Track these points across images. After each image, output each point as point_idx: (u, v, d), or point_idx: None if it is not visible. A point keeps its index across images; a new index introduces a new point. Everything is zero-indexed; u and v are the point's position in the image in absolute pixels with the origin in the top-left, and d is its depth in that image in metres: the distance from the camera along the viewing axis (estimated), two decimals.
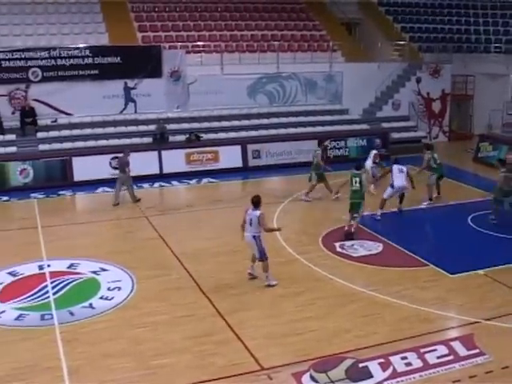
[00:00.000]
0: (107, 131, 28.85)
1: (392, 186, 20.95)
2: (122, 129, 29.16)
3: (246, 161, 28.56)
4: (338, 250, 17.98)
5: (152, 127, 29.05)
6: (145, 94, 29.72)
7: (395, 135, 32.19)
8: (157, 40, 32.37)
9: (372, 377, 11.35)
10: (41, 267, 16.70)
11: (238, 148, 28.57)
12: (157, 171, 26.85)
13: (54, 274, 16.13)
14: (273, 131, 30.77)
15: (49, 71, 28.30)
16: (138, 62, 29.50)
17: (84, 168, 25.79)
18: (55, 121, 28.57)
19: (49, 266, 16.75)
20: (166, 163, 27.13)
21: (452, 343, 12.52)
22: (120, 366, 11.74)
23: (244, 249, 15.93)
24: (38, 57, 28.10)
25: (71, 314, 13.96)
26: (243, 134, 30.21)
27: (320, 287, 15.43)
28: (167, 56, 30.30)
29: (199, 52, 31.89)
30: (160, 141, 28.39)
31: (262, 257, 15.22)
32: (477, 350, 12.19)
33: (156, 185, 25.86)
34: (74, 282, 15.72)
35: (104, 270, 16.49)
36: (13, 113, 28.07)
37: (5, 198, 23.89)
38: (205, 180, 26.55)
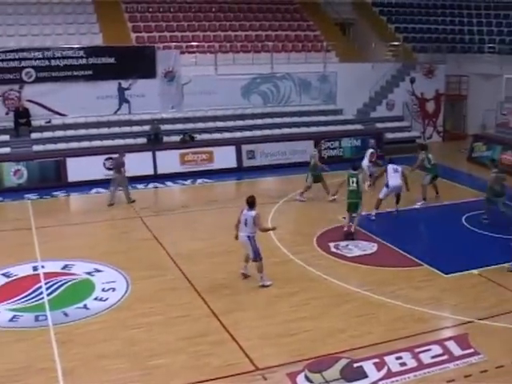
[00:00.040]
0: (101, 132, 28.81)
1: (387, 185, 20.98)
2: (116, 129, 29.11)
3: (241, 161, 28.55)
4: (333, 250, 17.99)
5: (146, 128, 29.01)
6: (139, 95, 29.68)
7: (389, 135, 32.22)
8: (151, 40, 32.35)
9: (367, 377, 11.36)
10: (35, 268, 16.67)
11: (232, 148, 28.57)
12: (151, 172, 26.81)
13: (48, 275, 16.09)
14: (267, 131, 30.76)
15: (43, 72, 28.24)
16: (132, 63, 29.46)
17: (78, 169, 25.73)
18: (49, 121, 28.52)
19: (43, 266, 16.71)
20: (160, 164, 27.10)
21: (446, 343, 12.54)
22: (115, 366, 11.72)
23: (238, 249, 15.92)
24: (32, 57, 28.04)
25: (65, 315, 13.93)
26: (237, 134, 30.22)
27: (314, 287, 15.44)
28: (161, 56, 30.26)
29: (193, 52, 31.86)
30: (154, 141, 28.37)
31: (257, 257, 15.22)
32: (471, 350, 12.21)
33: (150, 185, 25.83)
34: (69, 283, 15.69)
35: (98, 270, 16.47)
36: (6, 113, 28.00)
37: None
38: (199, 180, 26.54)
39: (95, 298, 14.82)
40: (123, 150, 23.91)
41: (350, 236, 18.82)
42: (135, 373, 11.53)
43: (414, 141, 32.88)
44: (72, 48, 28.93)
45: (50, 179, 25.71)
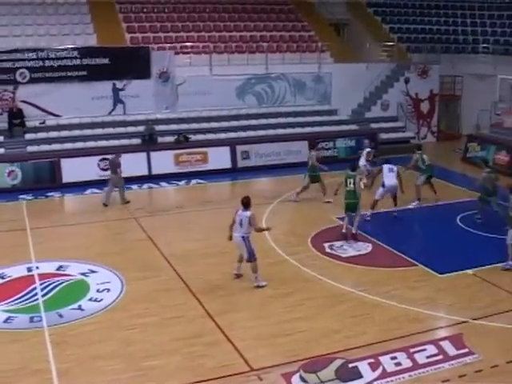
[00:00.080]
0: (96, 132, 28.76)
1: (383, 185, 21.01)
2: (111, 130, 29.08)
3: (235, 162, 28.53)
4: (327, 250, 18.01)
5: (141, 128, 28.99)
6: (133, 95, 29.65)
7: (384, 136, 32.23)
8: (145, 41, 32.31)
9: (362, 377, 11.38)
10: (29, 269, 16.64)
11: (226, 149, 28.54)
12: (145, 172, 26.76)
13: (42, 276, 16.06)
14: (262, 132, 30.74)
15: (37, 72, 28.18)
16: (127, 63, 29.42)
17: (72, 169, 25.66)
18: (43, 122, 28.47)
19: (37, 268, 16.68)
20: (154, 164, 27.07)
21: (441, 343, 12.56)
22: (109, 367, 11.71)
23: (233, 250, 15.91)
24: (26, 58, 27.97)
25: (60, 316, 13.91)
26: (232, 134, 30.20)
27: (309, 288, 15.45)
28: (156, 57, 30.23)
29: (188, 53, 31.83)
30: (149, 142, 28.35)
31: (251, 257, 15.23)
32: (466, 350, 12.24)
33: (145, 186, 25.80)
34: (63, 284, 15.67)
35: (93, 271, 16.45)
36: (0, 114, 27.94)
37: None
38: (194, 181, 26.52)
39: (90, 299, 14.81)
40: (119, 150, 23.87)
41: (354, 236, 18.78)
42: (130, 374, 11.52)
43: (408, 141, 32.96)
44: (66, 49, 28.88)
45: (44, 180, 25.64)
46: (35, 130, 28.22)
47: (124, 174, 23.29)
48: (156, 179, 26.44)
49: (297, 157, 28.66)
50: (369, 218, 20.52)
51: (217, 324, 13.47)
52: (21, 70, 27.96)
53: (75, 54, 28.70)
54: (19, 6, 31.83)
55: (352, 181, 18.82)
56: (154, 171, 26.93)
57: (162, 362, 11.91)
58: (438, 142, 35.72)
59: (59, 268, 16.66)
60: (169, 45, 32.05)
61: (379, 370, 11.55)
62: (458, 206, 22.13)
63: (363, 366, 11.67)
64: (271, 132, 30.90)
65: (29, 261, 17.18)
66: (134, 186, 25.14)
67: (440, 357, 12.03)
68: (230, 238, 15.48)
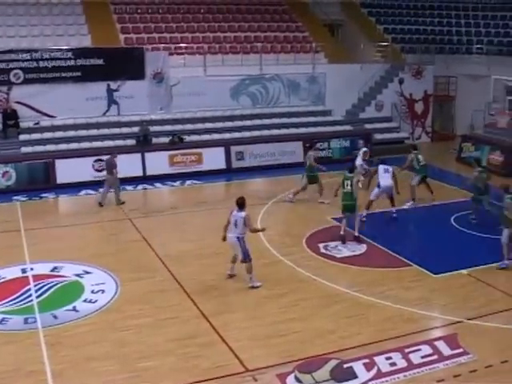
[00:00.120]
0: (90, 133, 28.72)
1: (378, 185, 21.03)
2: (105, 131, 29.05)
3: (230, 162, 28.51)
4: (322, 251, 18.01)
5: (135, 129, 28.98)
6: (128, 96, 29.63)
7: (378, 136, 32.24)
8: (139, 42, 32.28)
9: (357, 377, 11.39)
10: (24, 270, 16.59)
11: (221, 150, 28.53)
12: (140, 173, 26.72)
13: (37, 278, 16.03)
14: (256, 133, 30.72)
15: (31, 73, 28.13)
16: (121, 64, 29.42)
17: (67, 170, 25.62)
18: (38, 123, 28.43)
19: (32, 269, 16.64)
20: (149, 165, 27.03)
21: (436, 343, 12.58)
22: (104, 369, 11.69)
23: (227, 251, 15.89)
24: (20, 59, 27.94)
25: (55, 317, 13.89)
26: (226, 135, 30.22)
27: (304, 288, 15.45)
28: (150, 58, 30.21)
29: (182, 54, 31.81)
30: (143, 143, 28.33)
31: (246, 258, 15.22)
32: (460, 350, 12.26)
33: (139, 187, 25.77)
34: (58, 285, 15.65)
35: (88, 272, 16.43)
36: None
37: None
38: (188, 182, 26.50)
39: (84, 300, 14.79)
40: (115, 151, 23.87)
41: (357, 239, 18.73)
42: (124, 375, 11.50)
43: (402, 141, 33.02)
44: (60, 49, 28.86)
45: (38, 181, 25.57)
46: (29, 130, 28.18)
47: (119, 175, 23.28)
48: (150, 180, 26.40)
49: (291, 157, 28.72)
50: (364, 219, 20.51)
51: (211, 325, 13.46)
52: (15, 71, 27.91)
53: (69, 54, 28.69)
54: (13, 6, 31.75)
55: (349, 182, 18.79)
56: (149, 172, 26.89)
57: (156, 363, 11.89)
58: (433, 142, 35.76)
59: (54, 269, 16.63)
60: (163, 45, 32.04)
61: (374, 371, 11.56)
62: (452, 206, 22.16)
63: (358, 367, 11.68)
64: (265, 133, 30.89)
65: (23, 262, 17.15)
66: (129, 187, 25.09)
67: (435, 357, 12.05)
68: (224, 238, 15.46)
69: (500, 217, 17.10)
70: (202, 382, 11.28)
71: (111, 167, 23.00)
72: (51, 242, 19.20)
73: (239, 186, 25.95)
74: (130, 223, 20.94)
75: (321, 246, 18.35)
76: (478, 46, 36.97)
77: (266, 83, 32.51)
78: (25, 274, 16.35)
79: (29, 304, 14.58)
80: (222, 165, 28.33)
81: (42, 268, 16.69)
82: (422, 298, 14.82)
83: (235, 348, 12.42)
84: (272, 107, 32.70)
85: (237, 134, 30.37)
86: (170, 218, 21.72)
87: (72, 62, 28.70)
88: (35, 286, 15.53)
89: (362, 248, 18.30)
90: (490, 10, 40.08)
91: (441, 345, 12.49)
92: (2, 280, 16.05)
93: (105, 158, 24.34)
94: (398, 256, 17.49)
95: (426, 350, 12.31)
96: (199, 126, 30.67)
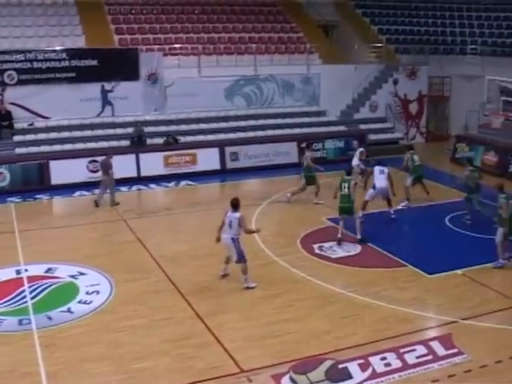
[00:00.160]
0: (84, 134, 28.64)
1: (374, 187, 21.04)
2: (100, 132, 29.00)
3: (224, 163, 28.50)
4: (317, 251, 18.01)
5: (129, 130, 28.92)
6: (122, 97, 29.58)
7: (372, 137, 32.25)
8: (134, 42, 32.25)
9: (352, 377, 11.39)
10: (18, 272, 16.56)
11: (215, 150, 28.52)
12: (134, 174, 26.68)
13: (31, 279, 16.00)
14: (250, 133, 30.71)
15: (25, 74, 28.07)
16: (115, 65, 29.37)
17: (61, 171, 25.56)
18: (32, 124, 28.36)
19: (26, 270, 16.60)
20: (143, 166, 26.99)
21: (431, 343, 12.60)
22: (99, 370, 11.67)
23: (221, 251, 15.87)
24: (14, 59, 27.85)
25: (49, 318, 13.86)
26: (221, 136, 30.19)
27: (298, 289, 15.46)
28: (144, 58, 30.18)
29: (176, 54, 31.78)
30: (138, 144, 28.30)
31: (241, 259, 15.21)
32: (455, 350, 12.28)
33: (134, 188, 25.73)
34: (52, 287, 15.62)
35: (82, 273, 16.40)
36: None
37: None
38: (183, 183, 26.49)
39: (79, 301, 14.76)
40: (110, 151, 23.85)
41: (363, 241, 18.67)
42: (119, 376, 11.49)
43: (397, 142, 33.06)
44: (54, 50, 28.80)
45: (32, 182, 25.52)
46: (23, 131, 28.11)
47: (114, 176, 23.24)
48: (145, 181, 26.37)
49: (285, 158, 28.75)
50: (362, 220, 20.43)
51: (206, 325, 13.45)
52: (9, 72, 27.84)
53: (64, 55, 28.63)
54: (7, 7, 31.65)
55: (347, 185, 18.72)
56: (143, 173, 26.85)
57: (151, 364, 11.88)
58: (427, 142, 35.76)
59: (48, 270, 16.60)
60: (157, 46, 32.02)
61: (369, 371, 11.56)
62: (446, 207, 22.18)
63: (353, 367, 11.68)
64: (260, 133, 30.87)
65: (17, 263, 17.11)
66: (123, 188, 25.04)
67: (429, 357, 12.06)
68: (218, 240, 15.45)
69: (496, 216, 17.05)
70: (196, 382, 11.27)
71: (107, 168, 22.97)
72: (45, 243, 19.17)
73: (234, 187, 25.94)
74: (124, 224, 20.91)
75: (315, 246, 18.35)
76: (472, 46, 37.08)
77: (261, 84, 32.50)
78: (19, 276, 16.31)
79: (23, 305, 14.54)
80: (216, 165, 28.31)
81: (37, 269, 16.64)
82: (417, 299, 14.83)
83: (230, 349, 12.42)
84: (266, 108, 32.70)
85: (231, 135, 30.37)
86: (164, 219, 21.70)
87: (66, 63, 28.64)
88: (29, 287, 15.50)
89: (357, 248, 18.30)
90: (483, 11, 40.21)
91: (435, 345, 12.50)
92: None
93: (100, 159, 24.31)
94: (392, 256, 17.50)
95: (420, 350, 12.32)
96: (193, 126, 30.63)
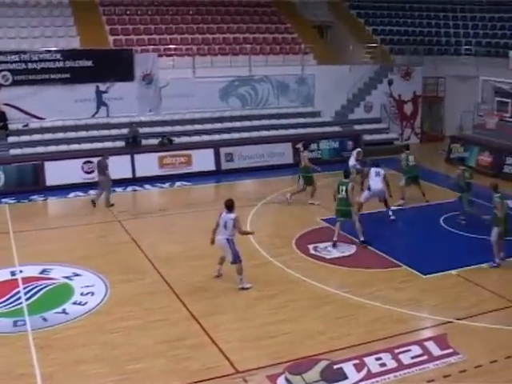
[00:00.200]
0: (79, 135, 28.60)
1: (369, 188, 21.05)
2: (95, 133, 28.95)
3: (219, 164, 28.50)
4: (312, 252, 18.02)
5: (124, 131, 28.89)
6: (117, 98, 29.55)
7: (367, 137, 32.24)
8: (128, 43, 32.23)
9: (347, 378, 11.40)
10: (13, 273, 16.52)
11: (210, 151, 28.52)
12: (129, 175, 26.67)
13: (26, 280, 15.97)
14: (245, 134, 30.70)
15: (19, 75, 28.02)
16: (110, 66, 29.34)
17: (56, 172, 25.54)
18: (27, 125, 28.32)
19: (21, 271, 16.56)
20: (138, 167, 26.98)
21: (426, 343, 12.61)
22: (93, 371, 11.66)
23: (216, 252, 15.86)
24: (9, 60, 27.80)
25: (44, 319, 13.84)
26: (216, 137, 30.20)
27: (293, 289, 15.46)
28: (139, 59, 30.15)
29: (171, 55, 31.79)
30: (132, 144, 28.27)
31: (236, 259, 15.21)
32: (450, 350, 12.29)
33: (129, 189, 25.70)
34: (47, 288, 15.59)
35: (77, 274, 16.37)
36: None
37: None
38: (178, 183, 26.47)
39: (74, 303, 14.74)
40: (106, 152, 23.86)
41: (366, 243, 18.62)
42: (114, 377, 11.48)
43: (391, 142, 33.12)
44: (49, 51, 28.74)
45: (27, 183, 25.49)
46: (18, 132, 28.06)
47: None
48: (140, 182, 26.36)
49: (280, 159, 28.77)
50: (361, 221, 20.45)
51: (201, 326, 13.45)
52: (3, 73, 27.79)
53: (58, 56, 28.58)
54: (1, 7, 31.58)
55: (344, 188, 18.66)
56: (138, 174, 26.85)
57: (146, 365, 11.87)
58: (422, 143, 35.81)
59: (43, 271, 16.57)
60: (152, 47, 32.00)
61: (364, 371, 11.57)
62: (441, 207, 22.21)
63: (348, 367, 11.69)
64: (255, 134, 30.86)
65: (12, 265, 17.07)
66: (118, 189, 24.96)
67: (425, 357, 12.08)
68: (213, 241, 15.45)
69: (492, 215, 17.04)
70: (192, 383, 11.26)
71: (103, 168, 22.94)
72: (40, 244, 19.15)
73: (228, 188, 25.95)
74: (119, 225, 20.89)
75: (310, 247, 18.36)
76: (467, 47, 37.16)
77: (255, 85, 32.52)
78: (14, 277, 16.27)
79: (18, 306, 14.51)
80: (211, 166, 28.31)
81: (32, 270, 16.61)
82: (412, 299, 14.85)
83: (225, 349, 12.41)
84: (261, 109, 32.72)
85: (226, 136, 30.36)
86: (159, 220, 21.69)
87: (61, 64, 28.60)
88: (24, 288, 15.47)
89: (352, 249, 18.32)
90: (478, 12, 40.29)
91: (431, 345, 12.52)
92: None
93: (96, 159, 24.24)
94: (387, 257, 17.52)
95: (415, 350, 12.33)
96: (188, 127, 30.61)
